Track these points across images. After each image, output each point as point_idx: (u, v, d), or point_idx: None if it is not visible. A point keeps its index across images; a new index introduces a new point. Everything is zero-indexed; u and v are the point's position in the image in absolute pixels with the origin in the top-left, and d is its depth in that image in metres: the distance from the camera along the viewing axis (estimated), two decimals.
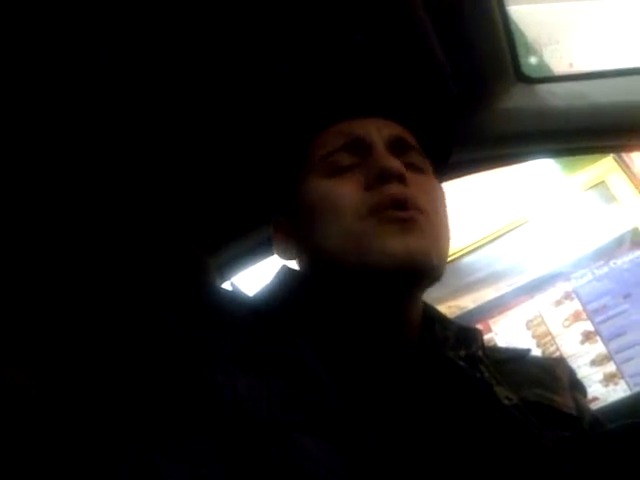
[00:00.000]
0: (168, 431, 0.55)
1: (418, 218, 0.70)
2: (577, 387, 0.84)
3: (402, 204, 0.70)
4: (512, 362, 0.80)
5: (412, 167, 0.76)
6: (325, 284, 0.74)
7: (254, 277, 1.34)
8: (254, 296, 0.77)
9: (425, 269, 0.70)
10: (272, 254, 0.91)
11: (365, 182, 0.72)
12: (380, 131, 0.77)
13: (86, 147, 0.97)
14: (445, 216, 0.78)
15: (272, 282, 0.79)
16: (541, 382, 0.77)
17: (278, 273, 0.80)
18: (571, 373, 0.85)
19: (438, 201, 0.77)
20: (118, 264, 0.98)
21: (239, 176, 1.09)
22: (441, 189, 0.81)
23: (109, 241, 0.99)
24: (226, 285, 1.24)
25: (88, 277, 0.96)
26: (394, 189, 0.71)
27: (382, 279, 0.69)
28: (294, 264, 0.82)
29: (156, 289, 0.93)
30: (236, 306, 0.71)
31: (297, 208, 0.79)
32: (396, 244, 0.68)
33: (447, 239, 0.77)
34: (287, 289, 0.77)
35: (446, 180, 1.11)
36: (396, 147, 0.76)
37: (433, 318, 0.79)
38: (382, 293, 0.71)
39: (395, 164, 0.72)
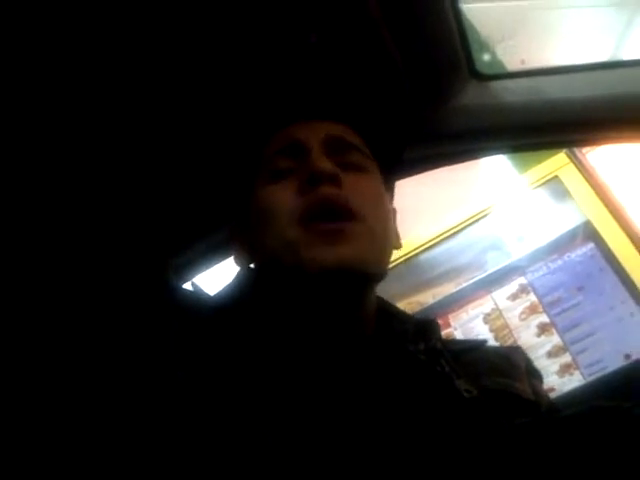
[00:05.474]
0: (112, 429, 0.55)
1: (348, 227, 0.70)
2: (534, 374, 0.85)
3: (331, 209, 0.70)
4: (470, 352, 0.81)
5: (350, 167, 0.76)
6: (276, 284, 0.75)
7: (215, 277, 1.33)
8: (215, 295, 0.77)
9: (360, 275, 0.70)
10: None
11: (299, 186, 0.73)
12: (317, 132, 0.77)
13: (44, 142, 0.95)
14: (385, 216, 0.78)
15: (232, 282, 0.79)
16: (500, 370, 0.78)
17: (238, 273, 0.81)
18: (527, 360, 0.86)
19: (377, 200, 0.77)
20: (79, 264, 0.97)
21: (200, 178, 1.08)
22: (382, 188, 0.81)
23: (70, 240, 0.98)
24: (187, 285, 1.23)
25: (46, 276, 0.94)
26: (324, 191, 0.71)
27: (317, 284, 0.69)
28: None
29: (116, 288, 0.92)
30: (197, 305, 0.71)
31: (249, 214, 0.79)
32: (326, 254, 0.68)
33: (386, 238, 0.77)
34: (245, 289, 0.77)
35: (401, 178, 1.12)
36: (333, 147, 0.76)
37: (390, 313, 0.80)
38: (321, 295, 0.71)
39: (326, 166, 0.72)
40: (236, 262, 0.83)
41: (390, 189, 0.88)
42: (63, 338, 0.65)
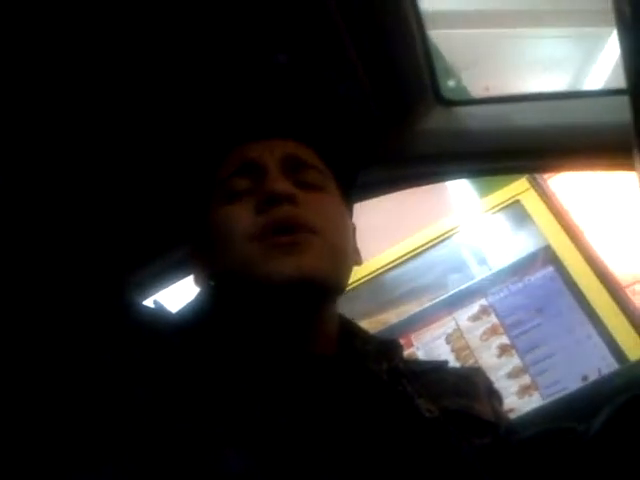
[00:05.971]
0: (83, 452, 0.54)
1: (305, 239, 0.71)
2: (494, 395, 0.86)
3: (289, 226, 0.71)
4: (431, 373, 0.82)
5: (307, 185, 0.77)
6: (235, 300, 0.75)
7: (178, 294, 1.32)
8: (177, 313, 0.77)
9: (319, 286, 0.70)
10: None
11: (256, 206, 0.73)
12: (273, 152, 0.77)
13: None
14: (343, 232, 0.79)
15: (193, 299, 0.79)
16: (461, 391, 0.79)
17: (199, 291, 0.81)
18: (488, 382, 0.88)
19: (335, 217, 0.78)
20: (35, 282, 0.95)
21: (161, 195, 1.07)
22: (341, 205, 0.81)
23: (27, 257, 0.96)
24: (149, 302, 1.22)
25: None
26: (282, 211, 0.71)
27: (276, 296, 0.70)
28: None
29: (77, 308, 0.91)
30: (159, 323, 0.71)
31: (206, 234, 0.79)
32: (284, 266, 0.68)
33: (346, 253, 0.77)
34: (206, 306, 0.77)
35: (365, 199, 1.13)
36: (290, 166, 0.77)
37: (353, 333, 0.80)
38: (280, 308, 0.71)
39: (283, 186, 0.73)
40: (196, 282, 0.83)
41: (349, 207, 0.88)
42: (18, 352, 0.64)
